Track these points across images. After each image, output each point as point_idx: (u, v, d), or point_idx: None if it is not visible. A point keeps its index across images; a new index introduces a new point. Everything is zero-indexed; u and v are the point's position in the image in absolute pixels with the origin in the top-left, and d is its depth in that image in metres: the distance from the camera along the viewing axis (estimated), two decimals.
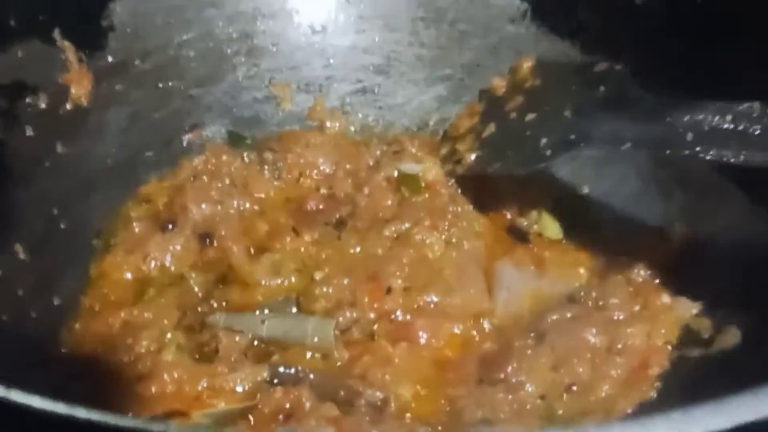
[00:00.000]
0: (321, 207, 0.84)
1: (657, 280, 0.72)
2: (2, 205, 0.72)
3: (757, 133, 0.61)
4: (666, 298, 0.70)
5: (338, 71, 0.98)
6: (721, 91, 0.67)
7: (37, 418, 0.38)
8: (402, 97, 0.97)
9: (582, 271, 0.77)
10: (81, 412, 0.36)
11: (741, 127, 0.62)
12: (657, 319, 0.68)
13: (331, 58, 0.98)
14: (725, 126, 0.63)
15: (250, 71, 0.96)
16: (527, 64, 0.87)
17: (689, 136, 0.64)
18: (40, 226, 0.75)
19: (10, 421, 0.39)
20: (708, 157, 0.63)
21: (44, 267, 0.73)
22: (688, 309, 0.69)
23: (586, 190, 0.85)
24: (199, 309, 0.73)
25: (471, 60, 0.97)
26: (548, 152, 0.77)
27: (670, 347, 0.67)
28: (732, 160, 0.62)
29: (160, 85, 0.91)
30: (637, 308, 0.70)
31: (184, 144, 0.92)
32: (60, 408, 0.37)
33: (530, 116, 0.82)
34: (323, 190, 0.86)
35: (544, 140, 0.77)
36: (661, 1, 0.84)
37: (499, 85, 0.88)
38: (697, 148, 0.64)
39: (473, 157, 0.84)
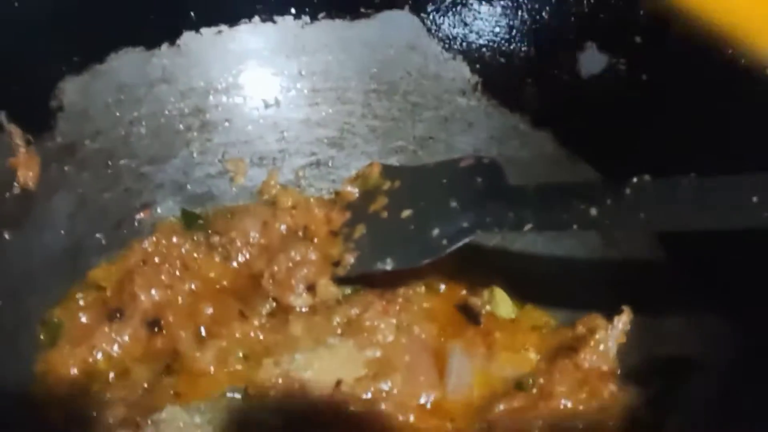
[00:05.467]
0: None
1: (604, 367, 0.73)
2: None
3: (660, 200, 0.65)
4: (612, 387, 0.71)
5: (292, 144, 0.98)
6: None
7: None
8: (356, 169, 0.97)
9: (531, 355, 0.77)
10: None
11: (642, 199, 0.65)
12: (603, 409, 0.68)
13: (284, 131, 0.98)
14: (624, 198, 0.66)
15: (203, 146, 0.96)
16: (376, 169, 0.90)
17: (593, 212, 0.66)
18: None
19: None
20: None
21: None
22: (635, 398, 0.69)
23: (538, 265, 0.86)
24: (145, 404, 0.72)
25: (423, 132, 0.97)
26: (444, 242, 0.77)
27: None
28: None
29: (110, 164, 0.90)
30: (583, 397, 0.70)
31: (136, 225, 0.91)
32: None
33: (406, 212, 0.83)
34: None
35: (435, 231, 0.78)
36: (606, 77, 0.85)
37: (351, 191, 0.91)
38: (606, 221, 0.67)
39: (352, 258, 0.84)
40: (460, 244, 0.76)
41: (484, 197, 0.78)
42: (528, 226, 0.72)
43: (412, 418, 0.72)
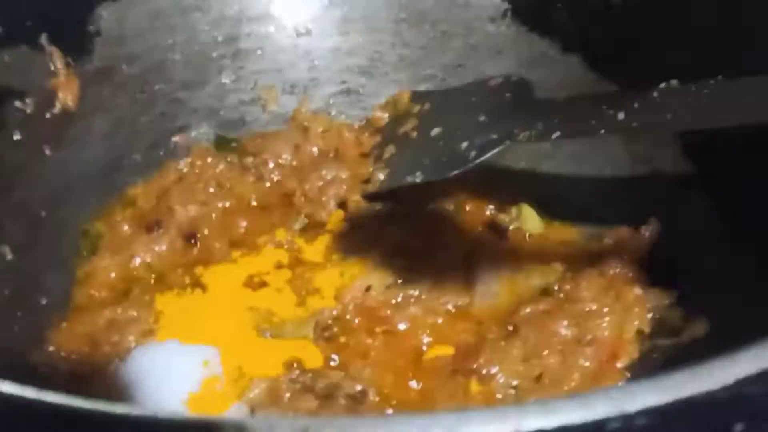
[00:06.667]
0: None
1: (630, 274, 0.74)
2: None
3: (687, 101, 0.64)
4: (638, 290, 0.71)
5: (322, 73, 0.99)
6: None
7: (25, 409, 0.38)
8: (386, 97, 0.98)
9: (557, 265, 0.78)
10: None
11: (670, 101, 0.65)
12: (628, 311, 0.70)
13: (315, 60, 0.99)
14: (655, 101, 0.65)
15: (236, 74, 0.97)
16: (406, 95, 0.91)
17: (620, 116, 0.66)
18: (26, 228, 0.76)
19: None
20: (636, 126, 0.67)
21: (31, 268, 0.74)
22: (660, 300, 0.70)
23: (566, 184, 0.87)
24: None
25: (453, 60, 0.98)
26: (473, 153, 0.77)
27: (640, 337, 0.69)
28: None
29: (146, 89, 0.92)
30: (608, 300, 0.71)
31: (171, 147, 0.93)
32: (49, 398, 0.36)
33: (435, 131, 0.84)
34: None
35: (464, 144, 0.78)
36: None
37: (381, 116, 0.92)
38: (633, 124, 0.66)
39: (382, 175, 0.86)
40: (489, 155, 0.77)
41: (512, 110, 0.79)
42: (556, 134, 0.72)
43: (440, 321, 0.74)
